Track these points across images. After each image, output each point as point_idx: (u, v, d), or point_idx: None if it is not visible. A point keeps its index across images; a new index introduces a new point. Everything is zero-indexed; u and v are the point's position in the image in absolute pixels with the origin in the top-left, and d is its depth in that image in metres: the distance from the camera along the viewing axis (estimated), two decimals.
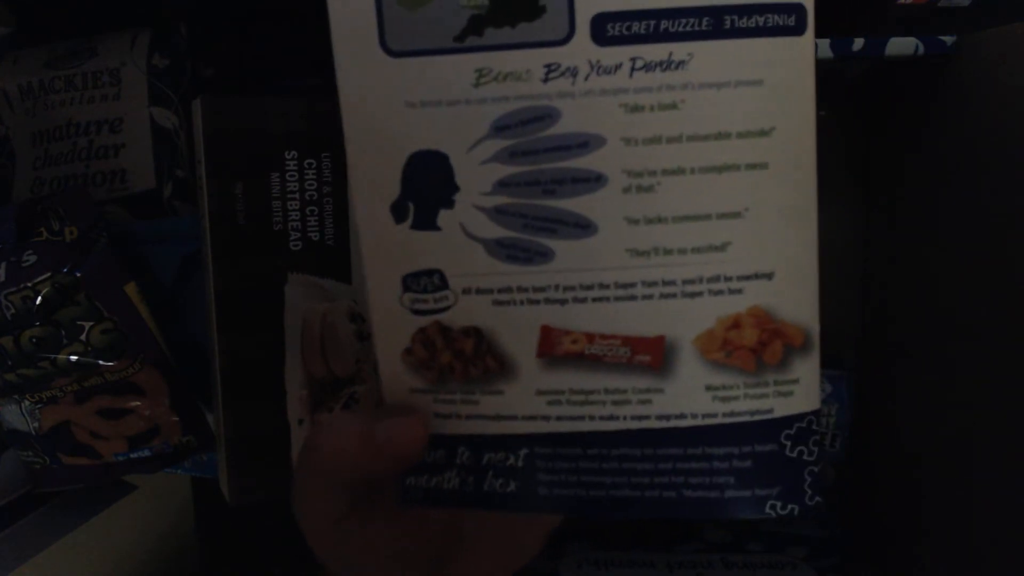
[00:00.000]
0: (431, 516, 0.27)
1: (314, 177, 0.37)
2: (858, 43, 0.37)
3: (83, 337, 0.37)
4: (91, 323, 0.37)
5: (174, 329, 0.41)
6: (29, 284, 0.35)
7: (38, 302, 0.36)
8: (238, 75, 0.48)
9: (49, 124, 0.44)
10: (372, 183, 0.23)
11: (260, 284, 0.36)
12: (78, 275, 0.36)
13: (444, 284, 0.24)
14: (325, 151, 0.37)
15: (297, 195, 0.36)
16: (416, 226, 0.23)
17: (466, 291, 0.24)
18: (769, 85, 0.21)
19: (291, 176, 0.36)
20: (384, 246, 0.24)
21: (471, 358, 0.24)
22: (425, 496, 0.25)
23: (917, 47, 0.37)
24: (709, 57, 0.21)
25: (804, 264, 0.23)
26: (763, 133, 0.22)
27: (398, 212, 0.23)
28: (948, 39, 0.37)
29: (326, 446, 0.25)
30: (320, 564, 0.27)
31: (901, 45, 0.37)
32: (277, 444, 0.38)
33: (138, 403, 0.40)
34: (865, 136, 0.50)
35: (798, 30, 0.21)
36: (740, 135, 0.22)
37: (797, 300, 0.23)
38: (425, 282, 0.24)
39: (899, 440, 0.46)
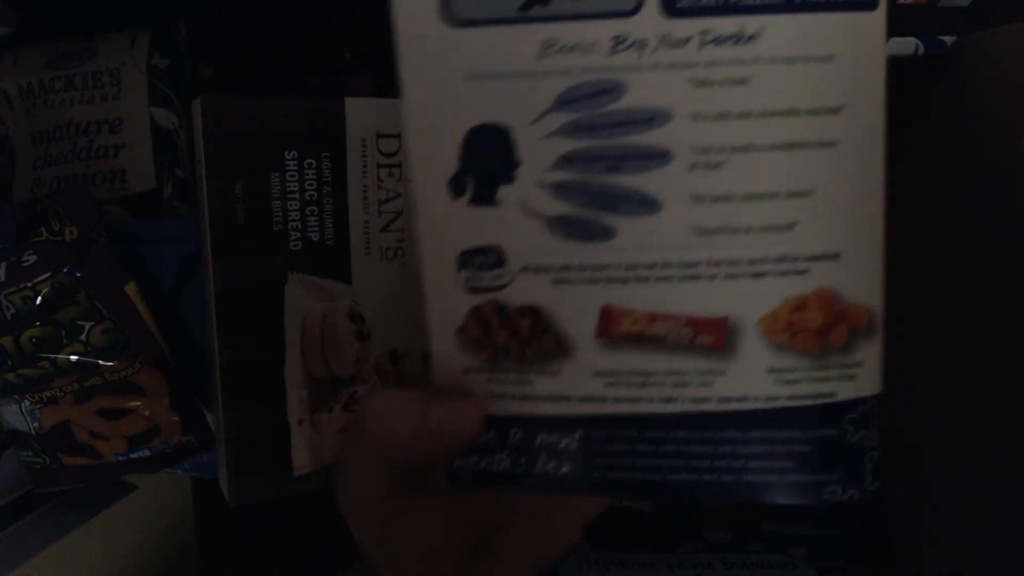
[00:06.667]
0: (473, 501, 0.26)
1: (314, 177, 0.37)
2: None
3: (83, 337, 0.37)
4: (91, 323, 0.37)
5: (174, 329, 0.41)
6: (29, 284, 0.35)
7: (38, 302, 0.35)
8: (238, 75, 0.48)
9: (49, 124, 0.44)
10: (430, 157, 0.22)
11: (260, 284, 0.36)
12: (78, 275, 0.36)
13: (501, 262, 0.23)
14: (325, 151, 0.37)
15: (297, 195, 0.36)
16: (474, 202, 0.23)
17: (524, 269, 0.23)
18: (840, 61, 0.21)
19: (291, 176, 0.36)
20: (440, 222, 0.23)
21: (528, 338, 0.23)
22: (474, 478, 0.25)
23: (917, 47, 0.37)
24: (781, 31, 0.21)
25: (870, 244, 0.23)
26: (833, 110, 0.21)
27: (456, 187, 0.23)
28: (948, 39, 0.37)
29: (379, 427, 0.24)
30: (333, 562, 0.26)
31: (901, 45, 0.37)
32: (277, 444, 0.38)
33: (138, 403, 0.40)
34: None
35: (870, 5, 0.21)
36: (810, 112, 0.21)
37: (862, 281, 0.23)
38: (482, 259, 0.23)
39: (900, 440, 0.46)
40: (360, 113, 0.37)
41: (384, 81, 0.46)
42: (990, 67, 0.36)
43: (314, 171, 0.37)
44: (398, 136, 0.38)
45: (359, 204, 0.38)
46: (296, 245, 0.37)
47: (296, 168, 0.36)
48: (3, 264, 0.35)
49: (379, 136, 0.38)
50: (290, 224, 0.36)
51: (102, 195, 0.43)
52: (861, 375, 0.23)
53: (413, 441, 0.24)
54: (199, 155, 0.35)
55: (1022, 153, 0.34)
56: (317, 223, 0.37)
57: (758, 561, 0.47)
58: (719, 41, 0.21)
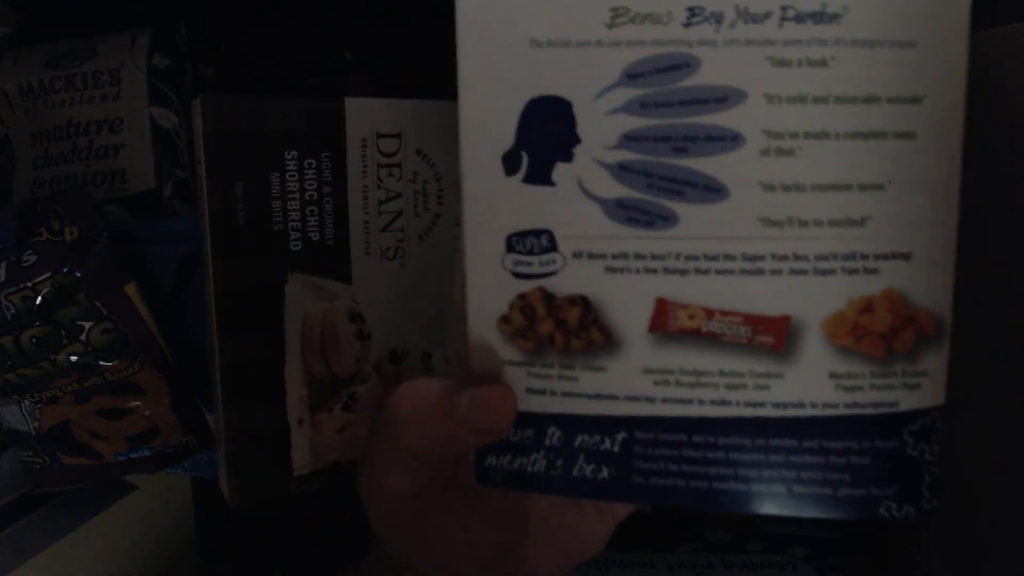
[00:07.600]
0: (502, 503, 0.25)
1: (314, 177, 0.37)
2: None
3: (83, 337, 0.37)
4: (91, 323, 0.37)
5: (174, 329, 0.41)
6: (29, 284, 0.35)
7: (38, 302, 0.35)
8: (238, 75, 0.48)
9: (49, 124, 0.44)
10: (484, 129, 0.21)
11: (260, 284, 0.36)
12: (78, 275, 0.36)
13: (553, 246, 0.22)
14: (325, 151, 0.37)
15: (297, 195, 0.36)
16: (528, 180, 0.21)
17: (577, 255, 0.22)
18: (923, 48, 0.20)
19: (291, 176, 0.36)
20: (490, 201, 0.22)
21: (575, 329, 0.22)
22: (505, 478, 0.23)
23: None
24: (864, 12, 0.19)
25: (943, 246, 0.21)
26: (914, 100, 0.20)
27: (510, 163, 0.21)
28: None
29: (406, 414, 0.23)
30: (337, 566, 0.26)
31: None
32: (277, 444, 0.38)
33: (138, 403, 0.40)
34: None
35: None
36: (890, 100, 0.20)
37: (933, 285, 0.21)
38: (532, 243, 0.22)
39: None
40: (360, 113, 0.37)
41: (384, 81, 0.46)
42: (990, 67, 0.36)
43: (314, 171, 0.37)
44: (398, 136, 0.38)
45: (359, 204, 0.38)
46: (296, 245, 0.37)
47: (296, 168, 0.36)
48: (3, 264, 0.35)
49: (379, 136, 0.38)
50: (290, 224, 0.36)
51: (102, 195, 0.43)
52: (925, 385, 0.22)
53: (440, 429, 0.22)
54: (199, 155, 0.35)
55: (1022, 153, 0.34)
56: (317, 223, 0.37)
57: (758, 561, 0.47)
58: (800, 18, 0.20)
